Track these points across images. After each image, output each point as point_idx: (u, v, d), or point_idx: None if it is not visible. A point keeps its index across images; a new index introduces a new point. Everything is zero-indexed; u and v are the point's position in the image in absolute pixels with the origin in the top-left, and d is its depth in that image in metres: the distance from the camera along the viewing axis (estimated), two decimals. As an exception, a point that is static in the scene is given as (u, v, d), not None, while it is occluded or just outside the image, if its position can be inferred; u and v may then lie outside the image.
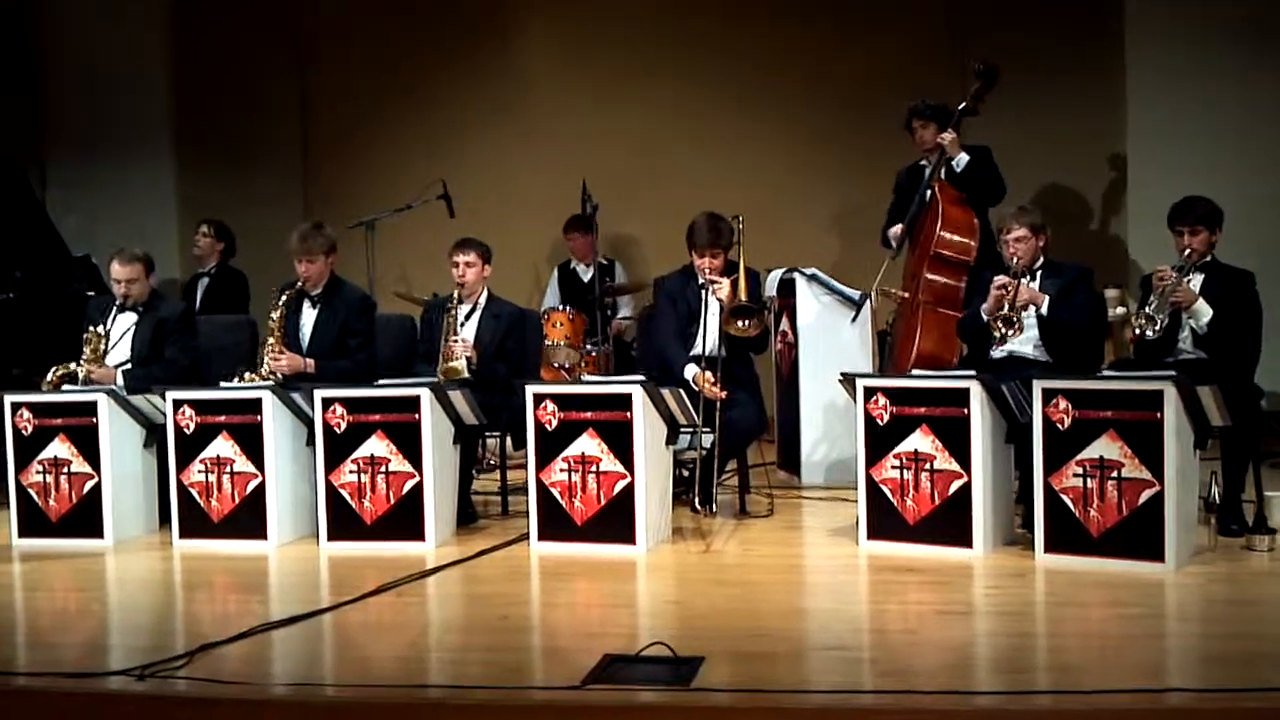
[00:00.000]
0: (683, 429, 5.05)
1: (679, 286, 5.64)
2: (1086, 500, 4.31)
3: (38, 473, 5.31)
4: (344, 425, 4.98)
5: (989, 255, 5.93)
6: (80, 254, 7.42)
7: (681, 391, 4.97)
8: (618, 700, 3.15)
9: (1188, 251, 4.98)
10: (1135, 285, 5.56)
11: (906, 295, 6.26)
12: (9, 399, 5.38)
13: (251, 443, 5.08)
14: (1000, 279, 5.12)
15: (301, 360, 5.64)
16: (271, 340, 5.61)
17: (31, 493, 5.32)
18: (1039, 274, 5.23)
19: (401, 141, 8.77)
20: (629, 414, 4.77)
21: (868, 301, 6.21)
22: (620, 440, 4.78)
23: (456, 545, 4.99)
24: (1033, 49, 7.58)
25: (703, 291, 5.46)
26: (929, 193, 6.31)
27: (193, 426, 5.15)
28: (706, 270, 5.42)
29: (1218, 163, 6.83)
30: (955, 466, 4.57)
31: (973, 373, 4.70)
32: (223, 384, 5.35)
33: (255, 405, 5.09)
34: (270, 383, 5.32)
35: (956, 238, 6.14)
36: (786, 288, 6.40)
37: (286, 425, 5.16)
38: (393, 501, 4.95)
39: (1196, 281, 4.97)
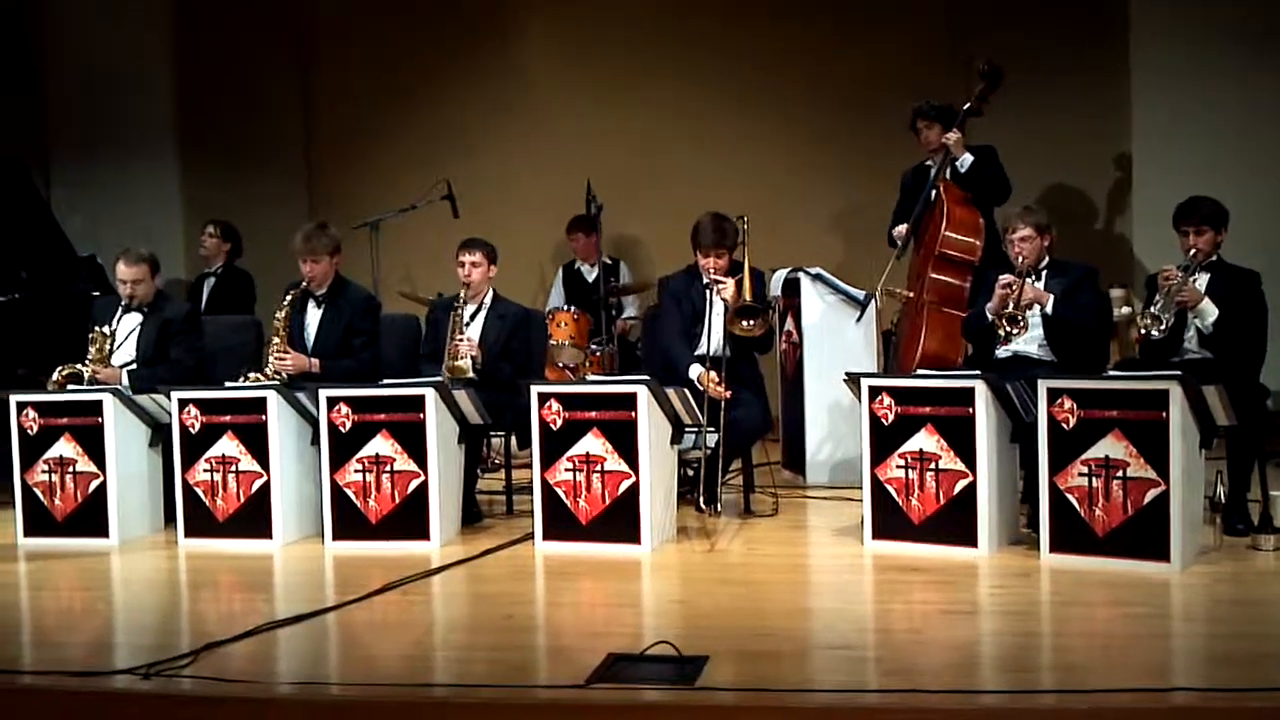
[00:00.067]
0: (687, 428, 5.05)
1: (684, 286, 5.64)
2: (1091, 500, 4.31)
3: (43, 472, 5.31)
4: (349, 425, 4.99)
5: (994, 255, 5.93)
6: (85, 254, 7.42)
7: (686, 391, 4.97)
8: (622, 699, 3.15)
9: (1193, 251, 4.98)
10: (1140, 285, 5.57)
11: (911, 295, 6.26)
12: (15, 398, 5.39)
13: (256, 442, 5.08)
14: (1005, 278, 5.12)
15: (306, 360, 5.65)
16: (276, 340, 5.62)
17: (37, 492, 5.33)
18: (1044, 273, 5.23)
19: (403, 141, 8.78)
20: (634, 413, 4.77)
21: (872, 301, 6.21)
22: (625, 440, 4.78)
23: (461, 544, 5.00)
24: (1033, 49, 7.58)
25: (707, 291, 5.46)
26: (934, 193, 6.32)
27: (198, 426, 5.16)
28: (711, 270, 5.42)
29: (1223, 163, 6.82)
30: (960, 466, 4.57)
31: (978, 372, 4.70)
32: (228, 384, 5.35)
33: (260, 405, 5.09)
34: (275, 382, 5.33)
35: (961, 237, 6.15)
36: (791, 287, 6.40)
37: (291, 425, 5.17)
38: (398, 501, 4.95)
39: (1202, 281, 4.97)
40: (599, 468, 4.81)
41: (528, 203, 8.41)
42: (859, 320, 6.21)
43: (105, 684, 3.37)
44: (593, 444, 4.82)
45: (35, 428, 5.34)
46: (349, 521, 4.99)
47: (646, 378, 4.90)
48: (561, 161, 8.25)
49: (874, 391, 4.76)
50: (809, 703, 3.10)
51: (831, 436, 6.22)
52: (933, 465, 4.61)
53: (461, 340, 5.55)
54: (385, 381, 5.19)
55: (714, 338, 5.41)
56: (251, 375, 5.50)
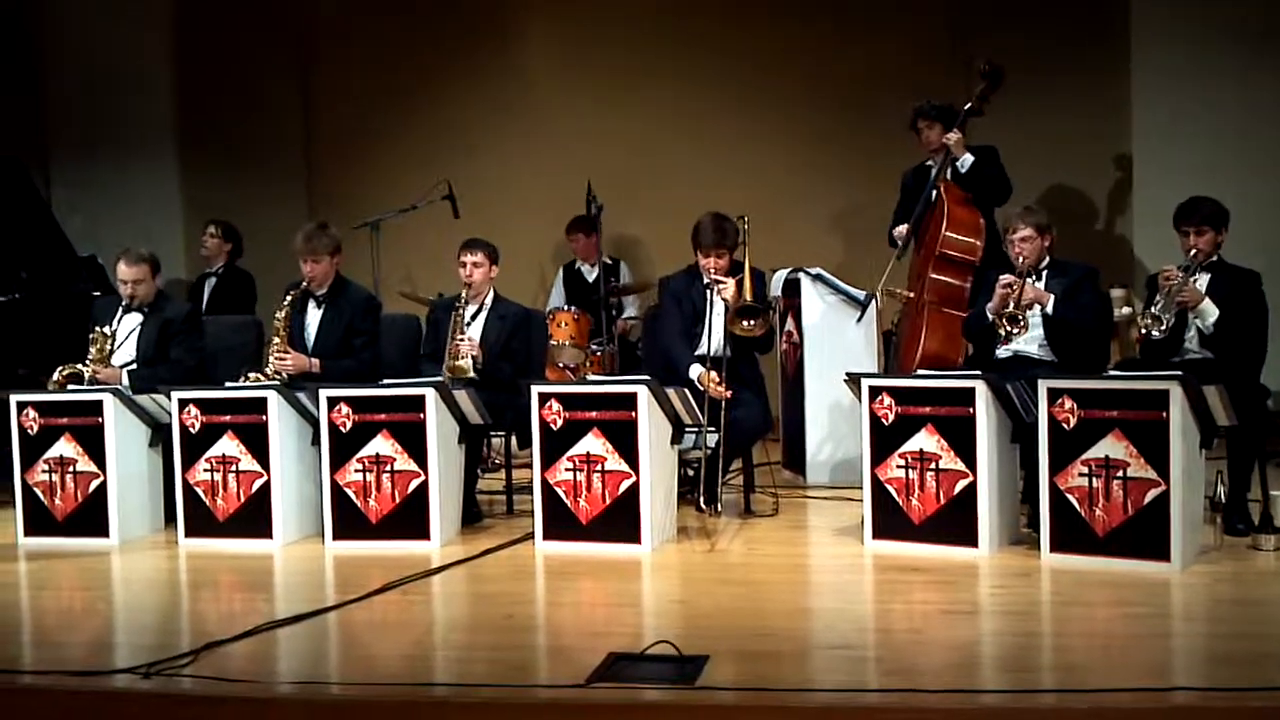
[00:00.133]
0: (687, 428, 5.05)
1: (684, 286, 5.64)
2: (1092, 500, 4.31)
3: (43, 472, 5.32)
4: (349, 424, 4.99)
5: (995, 255, 5.93)
6: (86, 254, 7.42)
7: (686, 391, 4.97)
8: (622, 699, 3.16)
9: (1193, 251, 4.98)
10: (1141, 285, 5.57)
11: (912, 295, 6.26)
12: (15, 398, 5.39)
13: (257, 442, 5.08)
14: (1006, 278, 5.12)
15: (307, 360, 5.65)
16: (277, 340, 5.62)
17: (37, 492, 5.33)
18: (1044, 273, 5.23)
19: (403, 141, 8.78)
20: (634, 413, 4.77)
21: (873, 301, 6.21)
22: (625, 439, 4.78)
23: (461, 544, 5.00)
24: (1033, 49, 7.58)
25: (708, 291, 5.47)
26: (934, 193, 6.32)
27: (198, 426, 5.16)
28: (711, 270, 5.42)
29: (1223, 163, 6.83)
30: (960, 466, 4.57)
31: (978, 372, 4.70)
32: (228, 384, 5.35)
33: (260, 405, 5.09)
34: (275, 382, 5.33)
35: (962, 237, 6.15)
36: (791, 288, 6.40)
37: (292, 424, 5.17)
38: (398, 500, 4.95)
39: (1203, 281, 4.97)
40: (599, 467, 4.81)
41: (528, 203, 8.41)
42: (859, 320, 6.21)
43: (105, 683, 3.37)
44: (593, 444, 4.82)
45: (36, 427, 5.34)
46: (349, 521, 4.99)
47: (647, 378, 4.90)
48: (561, 161, 8.25)
49: (874, 391, 4.76)
50: (809, 702, 3.10)
51: (832, 436, 6.22)
52: (933, 465, 4.61)
53: (462, 340, 5.56)
54: (385, 381, 5.19)
55: (714, 338, 5.42)
56: (252, 375, 5.50)
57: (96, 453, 5.26)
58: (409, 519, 4.94)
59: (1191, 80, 7.10)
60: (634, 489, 4.77)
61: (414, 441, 4.93)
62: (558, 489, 4.87)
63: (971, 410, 4.55)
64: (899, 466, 4.68)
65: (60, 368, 5.64)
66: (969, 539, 4.55)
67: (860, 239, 7.56)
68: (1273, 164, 6.97)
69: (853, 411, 5.39)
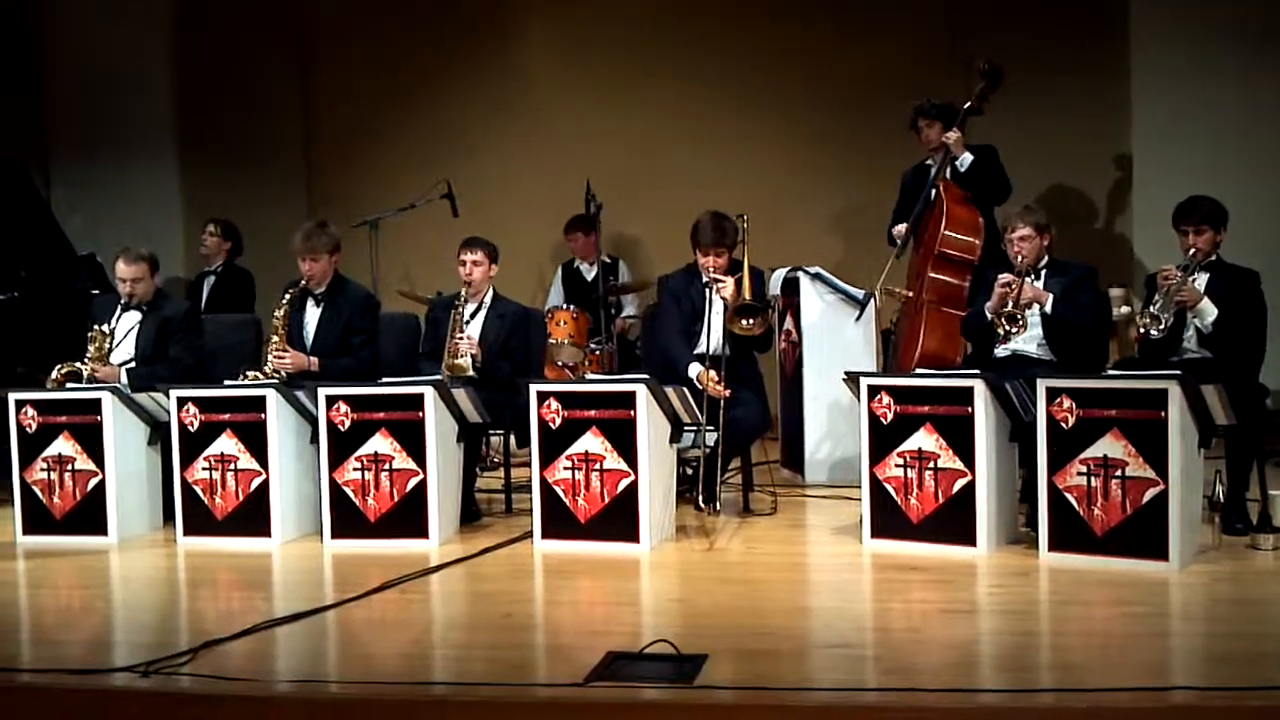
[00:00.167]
0: (686, 427, 5.05)
1: (683, 285, 5.64)
2: (1090, 499, 4.31)
3: (42, 470, 5.31)
4: (348, 423, 4.99)
5: (994, 254, 5.93)
6: (85, 253, 7.42)
7: (685, 390, 4.97)
8: (621, 698, 3.15)
9: (1192, 251, 4.98)
10: (1140, 284, 5.57)
11: (910, 294, 6.26)
12: (13, 396, 5.39)
13: (255, 440, 5.08)
14: (1005, 277, 5.12)
15: (305, 358, 5.64)
16: (275, 338, 5.62)
17: (36, 490, 5.32)
18: (1043, 273, 5.23)
19: (403, 141, 8.78)
20: (632, 412, 4.77)
21: (872, 301, 6.21)
22: (624, 438, 4.78)
23: (460, 543, 5.00)
24: (1033, 49, 7.58)
25: (707, 290, 5.46)
26: (934, 192, 6.32)
27: (196, 424, 5.16)
28: (711, 269, 5.42)
29: (1223, 163, 6.83)
30: (959, 465, 4.57)
31: (977, 371, 4.70)
32: (227, 382, 5.35)
33: (259, 403, 5.09)
34: (274, 381, 5.33)
35: (961, 236, 6.15)
36: (790, 286, 6.40)
37: (290, 423, 5.17)
38: (396, 499, 4.95)
39: (1201, 281, 4.97)
40: (598, 466, 4.81)
41: (527, 202, 8.41)
42: (858, 319, 6.21)
43: (104, 682, 3.37)
44: (592, 443, 4.82)
45: (34, 426, 5.33)
46: (348, 520, 4.99)
47: (646, 376, 4.90)
48: (561, 161, 8.25)
49: (873, 390, 4.76)
50: (808, 701, 3.10)
51: (830, 435, 6.22)
52: (931, 464, 4.61)
53: (461, 339, 5.55)
54: (384, 380, 5.19)
55: (713, 336, 5.41)
56: (250, 374, 5.50)
57: (95, 451, 5.26)
58: (407, 517, 4.94)
59: (1191, 80, 7.10)
60: (632, 488, 4.77)
61: (412, 440, 4.93)
62: (556, 488, 4.86)
63: (970, 409, 4.55)
64: (897, 465, 4.67)
65: (59, 366, 5.64)
66: (967, 538, 4.55)
67: (860, 239, 7.56)
68: (1273, 164, 6.97)
69: (851, 410, 5.39)
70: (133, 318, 5.86)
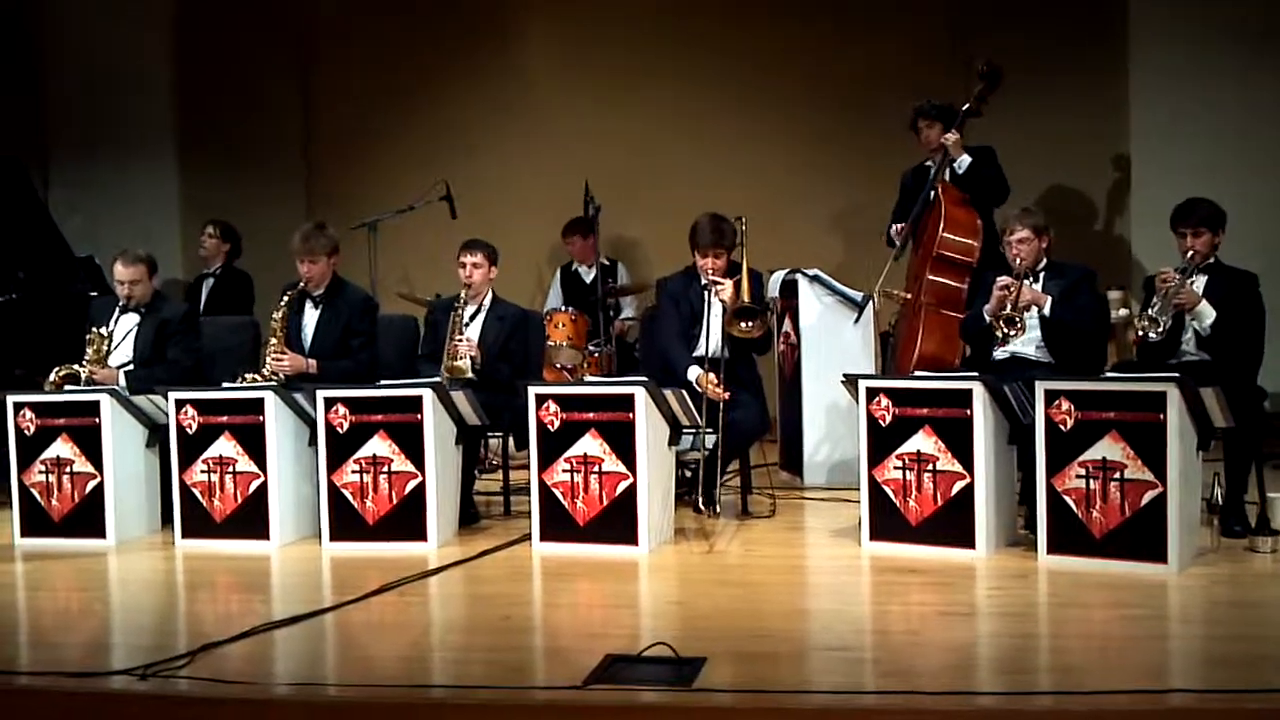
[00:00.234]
0: (685, 429, 5.05)
1: (682, 287, 5.64)
2: (1089, 501, 4.31)
3: (40, 472, 5.31)
4: (346, 425, 4.98)
5: (992, 256, 5.93)
6: (83, 255, 7.42)
7: (684, 392, 4.97)
8: (620, 700, 3.15)
9: (1190, 253, 4.98)
10: (1138, 286, 5.57)
11: (909, 296, 6.26)
12: (12, 399, 5.39)
13: (254, 443, 5.08)
14: (1003, 279, 5.12)
15: (304, 361, 5.64)
16: (274, 341, 5.62)
17: (34, 492, 5.32)
18: (1042, 275, 5.23)
19: (403, 142, 8.78)
20: (631, 414, 4.77)
21: (870, 303, 6.21)
22: (622, 441, 4.78)
23: (458, 545, 4.99)
24: (1033, 49, 7.58)
25: (705, 292, 5.46)
26: (932, 193, 6.32)
27: (195, 426, 5.16)
28: (709, 270, 5.42)
29: (1223, 163, 6.83)
30: (958, 467, 4.57)
31: (975, 374, 4.70)
32: (225, 385, 5.35)
33: (257, 405, 5.09)
34: (273, 383, 5.32)
35: (959, 238, 6.14)
36: (789, 289, 6.40)
37: (289, 425, 5.17)
38: (395, 501, 4.95)
39: (1200, 283, 4.97)
40: (596, 469, 4.81)
41: (527, 203, 8.41)
42: (857, 321, 6.21)
43: (102, 685, 3.37)
44: (590, 445, 4.82)
45: (32, 428, 5.34)
46: (346, 522, 4.98)
47: (644, 379, 4.89)
48: (561, 162, 8.24)
49: (871, 393, 4.76)
50: (806, 704, 3.10)
51: (829, 438, 6.22)
52: (930, 467, 4.61)
53: (461, 341, 5.55)
54: (383, 382, 5.18)
55: (712, 339, 5.41)
56: (249, 376, 5.49)
57: (93, 453, 5.26)
58: (406, 520, 4.94)
59: (1191, 80, 7.11)
60: (631, 490, 4.77)
61: (411, 442, 4.93)
62: (555, 490, 4.86)
63: (969, 412, 4.55)
64: (896, 468, 4.67)
65: (57, 368, 5.63)
66: (966, 540, 4.55)
67: (860, 239, 7.56)
68: (1272, 164, 6.97)
69: (850, 413, 5.39)
70: (131, 320, 5.85)
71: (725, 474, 5.41)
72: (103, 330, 5.75)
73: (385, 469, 4.95)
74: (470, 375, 5.48)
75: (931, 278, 6.16)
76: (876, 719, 3.06)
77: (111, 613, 4.36)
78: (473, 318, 5.72)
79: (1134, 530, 4.23)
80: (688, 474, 5.53)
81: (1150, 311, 4.90)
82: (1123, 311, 6.65)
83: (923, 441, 4.63)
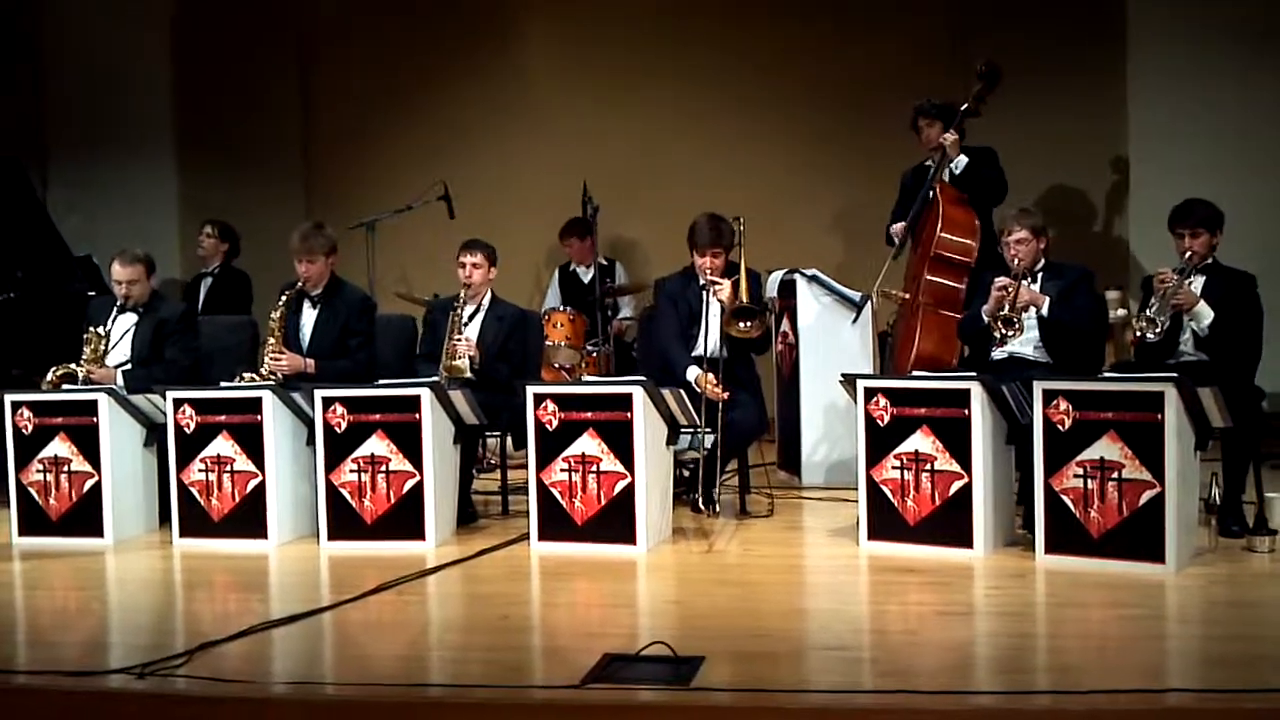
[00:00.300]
0: (683, 429, 5.05)
1: (680, 287, 5.64)
2: (1087, 501, 4.31)
3: (38, 471, 5.31)
4: (344, 425, 4.98)
5: (990, 256, 5.93)
6: (82, 254, 7.42)
7: (682, 392, 4.97)
8: (618, 699, 3.15)
9: (1188, 254, 4.98)
10: (1137, 286, 5.57)
11: (907, 296, 6.26)
12: (9, 398, 5.39)
13: (252, 442, 5.08)
14: (1001, 280, 5.12)
15: (302, 360, 5.64)
16: (272, 340, 5.62)
17: (32, 491, 5.32)
18: (1040, 275, 5.23)
19: (402, 142, 8.78)
20: (629, 414, 4.77)
21: (868, 303, 6.21)
22: (621, 440, 4.78)
23: (457, 545, 4.99)
24: (1033, 49, 7.58)
25: (704, 292, 5.46)
26: (930, 193, 6.31)
27: (193, 426, 5.16)
28: (707, 270, 5.42)
29: (1222, 163, 6.84)
30: (956, 467, 4.57)
31: (973, 374, 4.70)
32: (223, 384, 5.35)
33: (255, 405, 5.09)
34: (271, 382, 5.32)
35: (957, 239, 6.14)
36: (787, 289, 6.40)
37: (287, 425, 5.16)
38: (393, 501, 4.95)
39: (1198, 284, 4.97)
40: (595, 468, 4.81)
41: (527, 203, 8.41)
42: (855, 321, 6.21)
43: (100, 684, 3.37)
44: (588, 445, 4.82)
45: (30, 427, 5.33)
46: (344, 521, 4.98)
47: (643, 379, 4.89)
48: (560, 162, 8.24)
49: (870, 393, 4.76)
50: (804, 703, 3.10)
51: (827, 438, 6.22)
52: (928, 466, 4.61)
53: (460, 340, 5.55)
54: (381, 382, 5.18)
55: (711, 339, 5.41)
56: (247, 375, 5.49)
57: (91, 453, 5.26)
58: (404, 519, 4.94)
59: (1190, 80, 7.11)
60: (629, 490, 4.77)
61: (409, 442, 4.93)
62: (553, 490, 4.86)
63: (967, 412, 4.55)
64: (894, 468, 4.67)
65: (54, 368, 5.63)
66: (964, 540, 4.55)
67: (860, 239, 7.56)
68: (1272, 164, 6.97)
69: (848, 413, 5.39)
70: (129, 319, 5.85)
71: (724, 473, 5.40)
72: (100, 330, 5.74)
73: (383, 468, 4.95)
74: (469, 375, 5.48)
75: (929, 278, 6.15)
76: (874, 718, 3.06)
77: (109, 612, 4.36)
78: (471, 317, 5.72)
79: (1132, 530, 4.23)
80: (686, 473, 5.54)
81: (1148, 312, 4.91)
82: (1121, 312, 6.65)
83: (921, 441, 4.63)
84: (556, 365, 7.13)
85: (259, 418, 5.07)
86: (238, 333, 6.33)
